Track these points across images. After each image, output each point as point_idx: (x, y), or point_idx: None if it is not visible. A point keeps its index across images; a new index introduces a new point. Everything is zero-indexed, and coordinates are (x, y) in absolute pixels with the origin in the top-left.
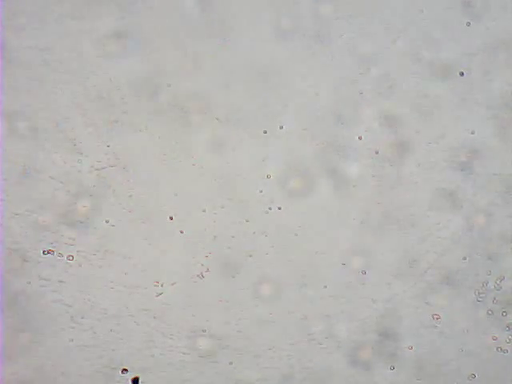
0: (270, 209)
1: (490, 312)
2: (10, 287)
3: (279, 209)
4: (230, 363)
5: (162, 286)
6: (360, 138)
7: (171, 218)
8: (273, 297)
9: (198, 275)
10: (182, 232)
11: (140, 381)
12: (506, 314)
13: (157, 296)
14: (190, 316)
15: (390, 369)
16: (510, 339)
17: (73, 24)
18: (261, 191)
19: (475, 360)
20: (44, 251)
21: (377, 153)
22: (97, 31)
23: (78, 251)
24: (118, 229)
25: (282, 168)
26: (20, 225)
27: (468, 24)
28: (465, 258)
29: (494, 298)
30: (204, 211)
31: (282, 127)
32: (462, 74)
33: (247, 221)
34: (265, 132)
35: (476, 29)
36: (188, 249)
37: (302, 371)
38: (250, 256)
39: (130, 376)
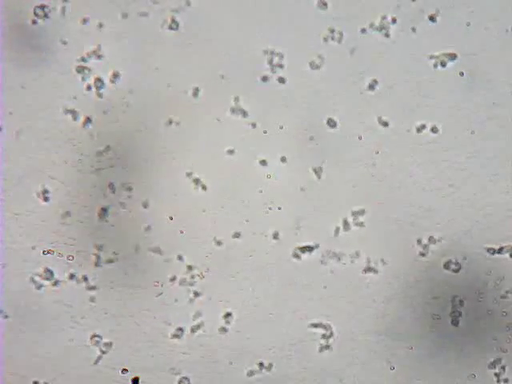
0: (270, 209)
1: (489, 312)
2: (10, 287)
3: (279, 209)
4: (230, 363)
5: (162, 286)
6: (360, 138)
7: (171, 218)
8: (273, 297)
9: (198, 275)
10: (182, 232)
11: (140, 381)
12: (506, 314)
13: (157, 296)
14: (190, 316)
15: (390, 369)
16: (510, 339)
17: (73, 24)
18: (261, 191)
19: (475, 360)
20: (44, 251)
21: (377, 153)
22: (97, 31)
23: (77, 251)
24: (119, 229)
25: (282, 168)
26: (20, 225)
27: (468, 24)
28: (465, 258)
29: (494, 298)
30: (204, 211)
31: (282, 127)
32: (462, 73)
33: (247, 221)
34: (265, 132)
35: (476, 29)
36: (188, 249)
37: (302, 371)
38: (250, 256)
39: (129, 376)
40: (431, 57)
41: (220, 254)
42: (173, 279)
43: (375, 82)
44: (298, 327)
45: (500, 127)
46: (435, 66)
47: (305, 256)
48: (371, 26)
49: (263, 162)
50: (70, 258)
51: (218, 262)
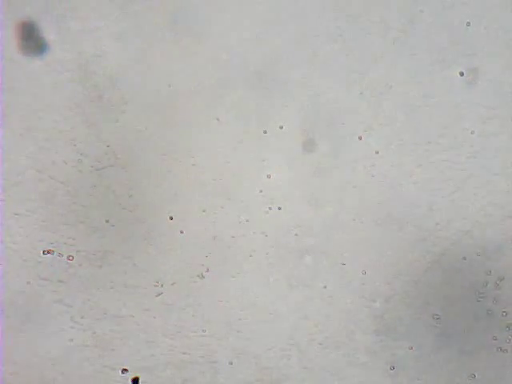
0: (270, 209)
1: (489, 312)
2: (10, 287)
3: (279, 209)
4: (230, 363)
5: (162, 286)
6: (360, 138)
7: (171, 218)
8: (273, 297)
9: (197, 275)
10: (182, 232)
11: (140, 381)
12: (506, 314)
13: (157, 296)
14: (190, 316)
15: (390, 369)
16: (510, 339)
17: (73, 24)
18: (261, 191)
19: (475, 360)
20: (44, 251)
21: (377, 153)
22: (97, 31)
23: (77, 251)
24: (118, 229)
25: (282, 168)
26: (20, 225)
27: (468, 24)
28: (465, 258)
29: (494, 298)
30: (204, 211)
31: (282, 127)
32: (461, 74)
33: (247, 221)
34: (265, 132)
35: (476, 29)
36: (188, 249)
37: (302, 371)
38: (250, 256)
39: (129, 376)
40: (431, 57)
41: (220, 254)
42: (173, 279)
43: (375, 81)
44: (297, 327)
45: (500, 127)
46: (436, 66)
47: (305, 256)
48: (371, 25)
49: (263, 162)
50: (70, 258)
51: (217, 262)
